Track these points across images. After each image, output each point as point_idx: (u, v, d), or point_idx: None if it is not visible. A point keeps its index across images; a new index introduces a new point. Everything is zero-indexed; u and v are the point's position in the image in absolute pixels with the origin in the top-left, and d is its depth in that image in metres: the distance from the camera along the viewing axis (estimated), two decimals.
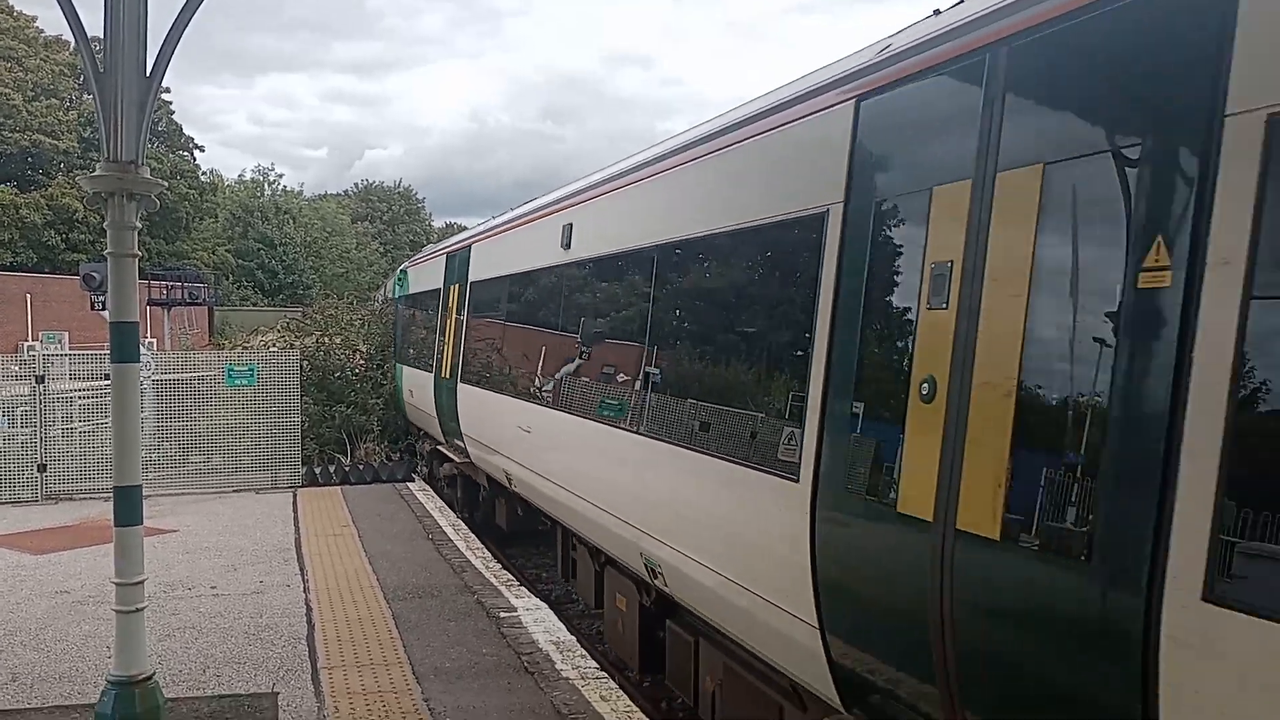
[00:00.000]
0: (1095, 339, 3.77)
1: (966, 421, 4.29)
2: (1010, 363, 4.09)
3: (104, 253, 6.37)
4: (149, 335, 42.65)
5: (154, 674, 6.56)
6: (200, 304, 52.25)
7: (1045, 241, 4.00)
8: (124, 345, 6.30)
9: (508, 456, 12.22)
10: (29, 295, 52.24)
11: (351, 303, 27.23)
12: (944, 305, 4.53)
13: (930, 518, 4.41)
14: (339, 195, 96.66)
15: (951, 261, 4.50)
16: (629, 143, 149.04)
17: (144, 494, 6.49)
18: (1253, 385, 3.17)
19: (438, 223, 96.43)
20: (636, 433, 7.90)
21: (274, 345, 23.14)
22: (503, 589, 10.88)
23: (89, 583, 11.03)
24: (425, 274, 19.53)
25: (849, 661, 5.20)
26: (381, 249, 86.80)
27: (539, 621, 9.68)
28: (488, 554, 12.88)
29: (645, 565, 7.93)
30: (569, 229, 10.37)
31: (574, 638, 9.34)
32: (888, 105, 5.22)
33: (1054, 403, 3.96)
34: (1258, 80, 3.21)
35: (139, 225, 6.38)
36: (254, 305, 65.57)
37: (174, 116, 66.27)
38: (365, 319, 24.30)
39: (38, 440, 16.63)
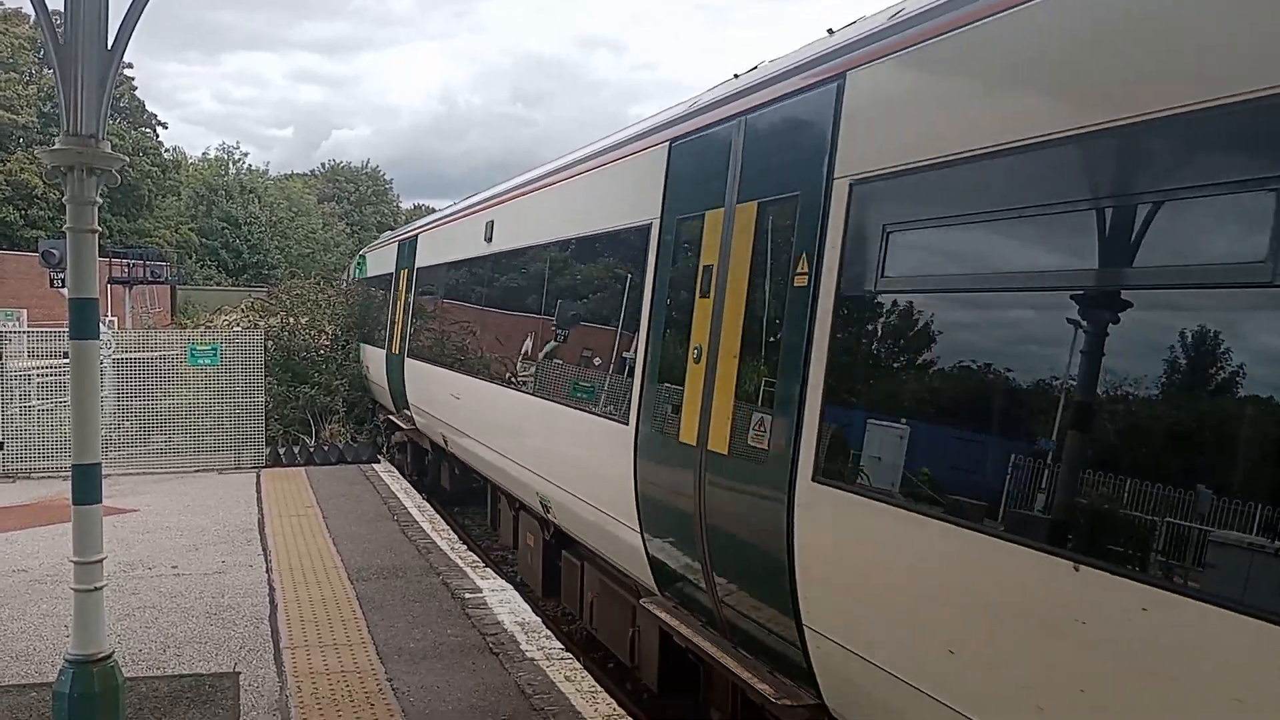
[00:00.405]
0: (775, 318, 5.69)
1: (715, 376, 6.19)
2: (736, 336, 6.02)
3: (63, 228, 6.27)
4: (109, 314, 42.08)
5: (113, 653, 6.50)
6: (163, 283, 51.69)
7: (757, 253, 5.92)
8: (83, 322, 6.21)
9: (445, 421, 14.15)
10: None
11: (318, 283, 26.97)
12: (708, 295, 6.40)
13: (694, 443, 6.36)
14: (305, 175, 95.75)
15: (713, 264, 6.40)
16: (599, 127, 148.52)
17: (104, 473, 6.43)
18: (841, 343, 5.05)
19: (406, 204, 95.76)
20: (529, 394, 9.99)
21: (238, 325, 22.88)
22: (468, 570, 10.88)
23: (47, 561, 10.90)
24: (381, 259, 21.74)
25: (657, 553, 7.12)
26: (348, 230, 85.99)
27: (504, 603, 9.70)
28: (453, 535, 12.86)
29: (540, 503, 9.81)
30: (491, 225, 12.27)
31: (539, 619, 9.37)
32: (687, 149, 7.12)
33: (754, 363, 5.86)
34: (850, 159, 5.10)
35: (99, 201, 6.28)
36: (218, 285, 64.79)
37: (136, 93, 65.21)
38: (331, 299, 24.08)
39: None
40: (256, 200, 75.90)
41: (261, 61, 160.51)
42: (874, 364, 5.02)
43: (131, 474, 16.65)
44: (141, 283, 48.39)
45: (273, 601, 9.62)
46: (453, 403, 13.37)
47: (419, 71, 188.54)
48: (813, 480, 5.09)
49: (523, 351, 10.62)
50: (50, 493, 14.78)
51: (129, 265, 47.69)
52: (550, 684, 7.64)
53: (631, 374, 7.51)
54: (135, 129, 63.15)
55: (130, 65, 63.50)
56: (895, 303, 4.81)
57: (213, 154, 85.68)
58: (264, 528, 12.85)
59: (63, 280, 18.60)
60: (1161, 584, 3.27)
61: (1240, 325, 3.28)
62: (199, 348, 17.56)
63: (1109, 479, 3.62)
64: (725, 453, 6.00)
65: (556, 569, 10.52)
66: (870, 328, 5.01)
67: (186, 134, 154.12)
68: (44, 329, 20.72)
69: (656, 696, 8.34)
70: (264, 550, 11.66)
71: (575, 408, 8.76)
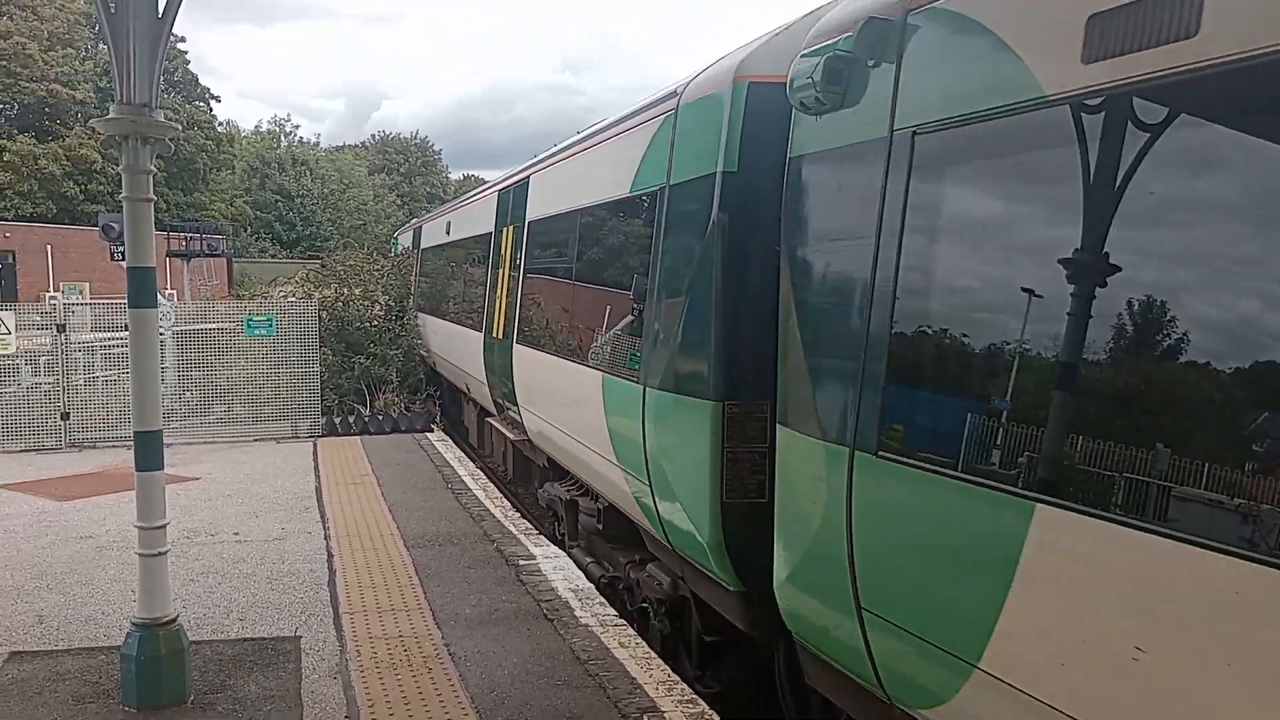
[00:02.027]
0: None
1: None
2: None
3: (119, 197, 6.33)
4: (169, 287, 42.84)
5: (177, 617, 6.65)
6: (219, 256, 52.54)
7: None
8: (141, 291, 6.29)
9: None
10: (49, 246, 52.42)
11: (371, 254, 27.16)
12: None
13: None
14: (356, 147, 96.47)
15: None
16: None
17: (167, 443, 6.54)
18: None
19: (455, 175, 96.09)
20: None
21: (293, 296, 23.13)
22: (522, 537, 10.93)
23: (113, 528, 11.15)
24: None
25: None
26: (399, 201, 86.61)
27: (558, 570, 9.73)
28: (506, 503, 12.93)
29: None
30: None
31: (592, 585, 9.38)
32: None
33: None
34: None
35: (154, 170, 6.33)
36: (272, 257, 65.67)
37: (190, 66, 65.97)
38: (384, 270, 24.26)
39: (60, 389, 16.75)
40: (308, 173, 76.64)
41: (313, 33, 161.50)
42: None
43: (193, 443, 16.95)
44: (199, 256, 49.19)
45: (331, 568, 9.74)
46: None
47: (467, 42, 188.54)
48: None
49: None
50: (115, 460, 15.10)
51: (186, 239, 48.49)
52: (605, 650, 7.65)
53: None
54: (189, 103, 63.98)
55: (183, 39, 64.23)
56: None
57: (265, 127, 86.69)
58: (321, 495, 13.02)
59: (123, 253, 18.93)
60: None
61: None
62: (255, 318, 17.76)
63: None
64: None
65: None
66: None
67: (240, 107, 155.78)
68: (106, 301, 21.05)
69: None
70: (322, 517, 11.81)
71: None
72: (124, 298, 6.42)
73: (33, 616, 8.36)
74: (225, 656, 7.44)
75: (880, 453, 4.50)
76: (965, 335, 4.23)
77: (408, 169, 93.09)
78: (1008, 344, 3.95)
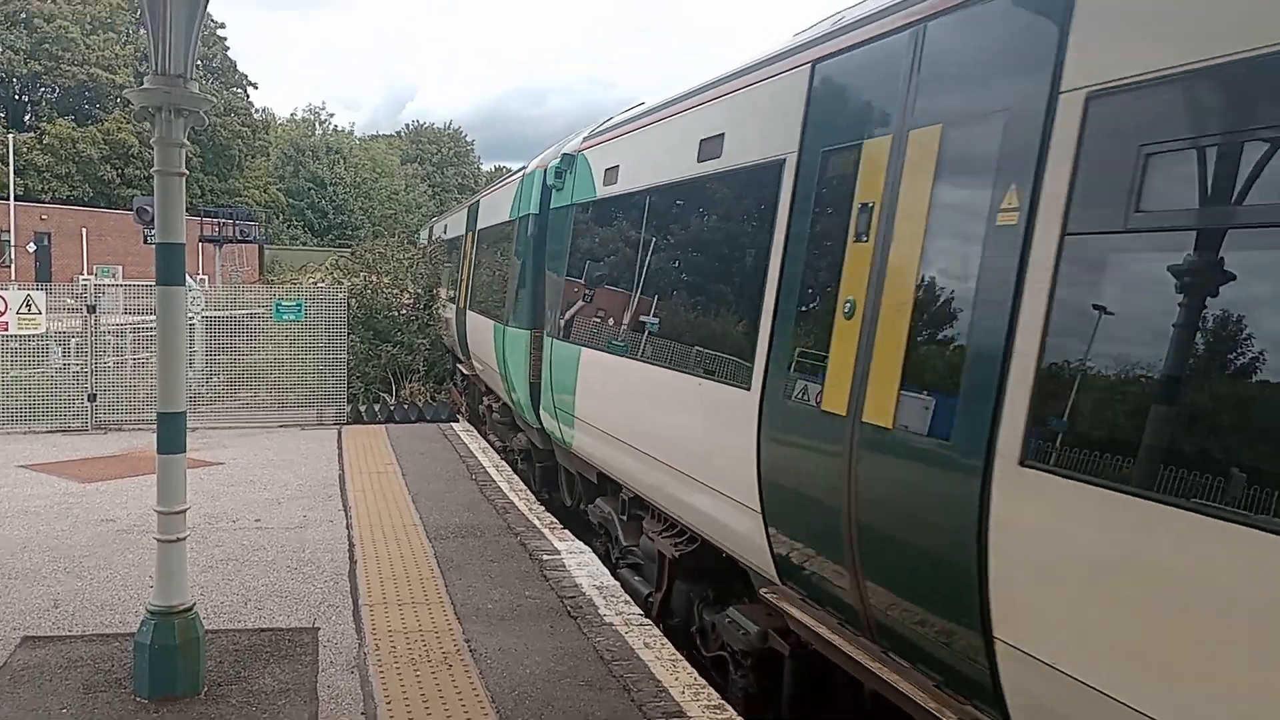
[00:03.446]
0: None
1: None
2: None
3: (151, 170, 6.19)
4: (200, 272, 43.07)
5: (194, 605, 6.49)
6: (251, 242, 52.82)
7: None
8: (170, 267, 6.14)
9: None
10: (84, 230, 52.94)
11: (401, 242, 27.10)
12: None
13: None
14: (390, 136, 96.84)
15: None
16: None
17: (191, 427, 6.39)
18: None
19: (486, 166, 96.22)
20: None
21: (322, 283, 23.09)
22: (546, 531, 10.74)
23: (134, 512, 11.05)
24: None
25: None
26: (430, 191, 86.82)
27: (582, 565, 9.53)
28: (530, 496, 12.76)
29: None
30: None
31: (617, 583, 9.18)
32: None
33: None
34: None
35: (186, 144, 6.18)
36: (304, 245, 65.99)
37: (229, 53, 66.37)
38: (414, 258, 24.16)
39: (89, 371, 16.74)
40: (342, 161, 76.96)
41: (352, 21, 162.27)
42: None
43: (219, 428, 16.90)
44: (231, 241, 49.47)
45: (352, 558, 9.59)
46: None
47: (505, 31, 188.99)
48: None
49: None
50: (140, 444, 15.05)
51: (219, 224, 48.76)
52: (629, 650, 7.44)
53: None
54: (227, 89, 64.39)
55: (223, 25, 64.58)
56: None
57: (300, 115, 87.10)
58: (344, 484, 12.89)
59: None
60: None
61: None
62: (284, 303, 17.69)
63: None
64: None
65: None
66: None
67: (277, 94, 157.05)
68: (137, 285, 21.09)
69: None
70: (344, 506, 11.68)
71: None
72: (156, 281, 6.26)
73: (48, 600, 8.24)
74: (241, 647, 7.28)
75: (549, 332, 11.77)
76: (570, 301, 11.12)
77: (440, 159, 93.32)
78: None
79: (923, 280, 5.01)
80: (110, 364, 17.65)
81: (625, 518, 10.07)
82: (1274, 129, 3.32)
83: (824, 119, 6.20)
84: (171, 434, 6.28)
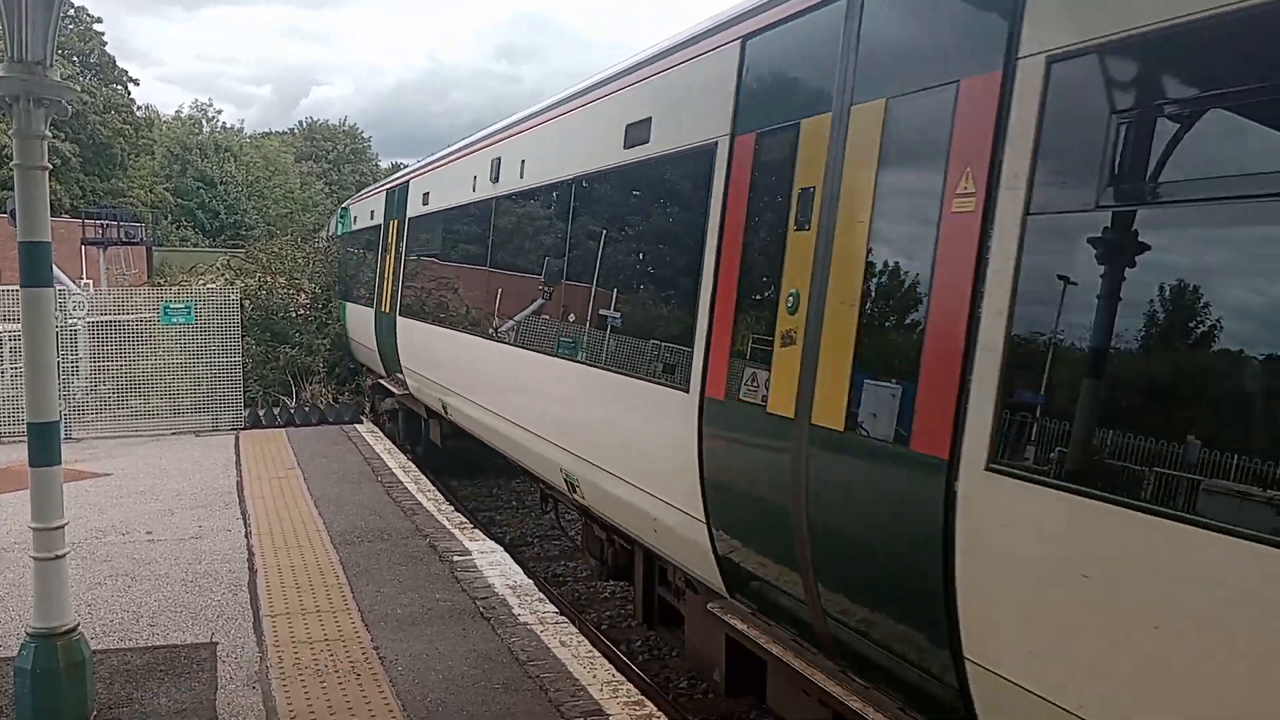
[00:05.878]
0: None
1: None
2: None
3: (10, 165, 5.76)
4: (84, 276, 41.22)
5: (78, 625, 6.10)
6: (138, 244, 50.68)
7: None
8: (35, 267, 5.72)
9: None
10: None
11: (296, 241, 26.29)
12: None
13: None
14: (283, 134, 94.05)
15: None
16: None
17: (78, 437, 6.00)
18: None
19: (384, 163, 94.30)
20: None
21: (214, 284, 22.24)
22: (456, 532, 10.48)
23: (14, 528, 10.41)
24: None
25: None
26: (327, 189, 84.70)
27: (494, 565, 9.30)
28: (439, 496, 12.46)
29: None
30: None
31: (531, 581, 8.98)
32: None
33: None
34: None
35: (48, 135, 5.77)
36: (194, 246, 63.75)
37: (107, 48, 63.61)
38: (310, 257, 23.46)
39: None
40: (232, 159, 74.60)
41: (241, 17, 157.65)
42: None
43: (107, 438, 16.11)
44: (116, 244, 47.42)
45: (252, 567, 9.20)
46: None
47: (404, 27, 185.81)
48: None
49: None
50: (19, 456, 14.22)
51: (102, 226, 46.68)
52: (545, 650, 7.26)
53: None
54: (106, 85, 61.68)
55: (99, 20, 61.92)
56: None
57: (186, 112, 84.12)
58: (243, 491, 12.40)
59: None
60: None
61: None
62: (172, 305, 16.98)
63: None
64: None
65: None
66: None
67: (163, 92, 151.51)
68: (13, 289, 19.98)
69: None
70: (243, 514, 11.22)
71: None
72: None
73: None
74: (133, 666, 6.89)
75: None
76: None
77: (336, 156, 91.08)
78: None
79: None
80: None
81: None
82: None
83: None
84: (44, 445, 5.88)
